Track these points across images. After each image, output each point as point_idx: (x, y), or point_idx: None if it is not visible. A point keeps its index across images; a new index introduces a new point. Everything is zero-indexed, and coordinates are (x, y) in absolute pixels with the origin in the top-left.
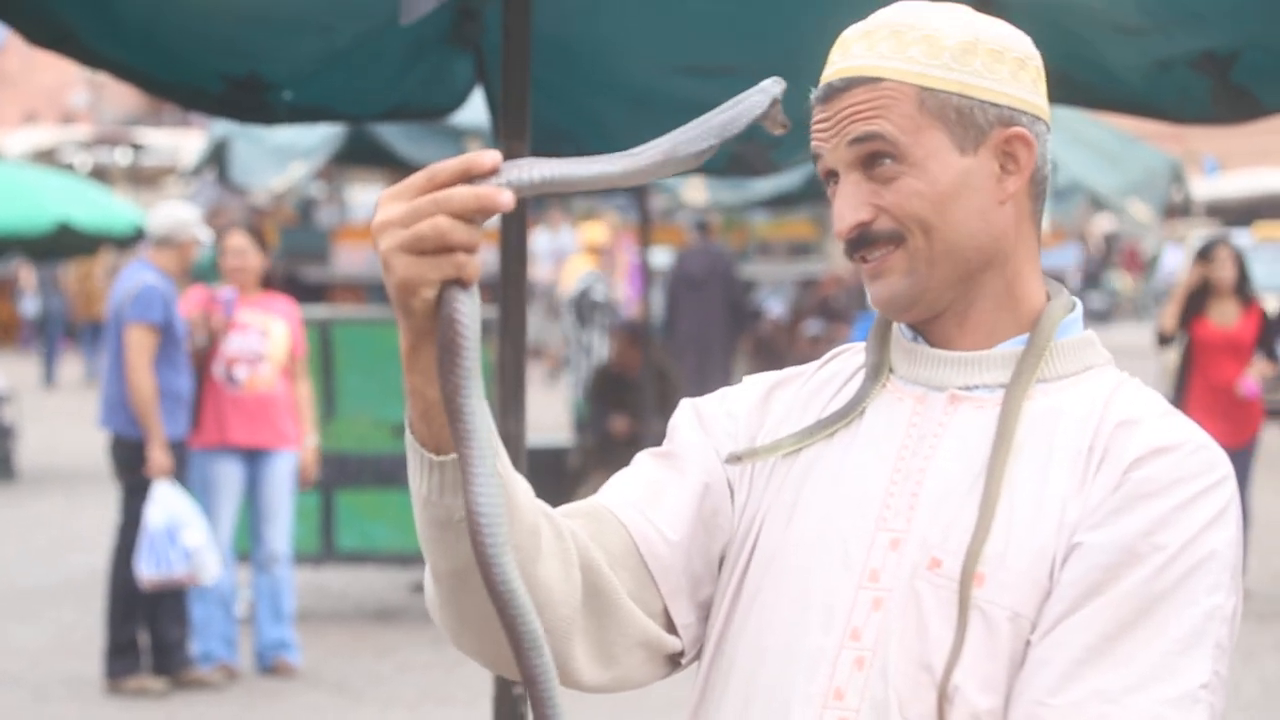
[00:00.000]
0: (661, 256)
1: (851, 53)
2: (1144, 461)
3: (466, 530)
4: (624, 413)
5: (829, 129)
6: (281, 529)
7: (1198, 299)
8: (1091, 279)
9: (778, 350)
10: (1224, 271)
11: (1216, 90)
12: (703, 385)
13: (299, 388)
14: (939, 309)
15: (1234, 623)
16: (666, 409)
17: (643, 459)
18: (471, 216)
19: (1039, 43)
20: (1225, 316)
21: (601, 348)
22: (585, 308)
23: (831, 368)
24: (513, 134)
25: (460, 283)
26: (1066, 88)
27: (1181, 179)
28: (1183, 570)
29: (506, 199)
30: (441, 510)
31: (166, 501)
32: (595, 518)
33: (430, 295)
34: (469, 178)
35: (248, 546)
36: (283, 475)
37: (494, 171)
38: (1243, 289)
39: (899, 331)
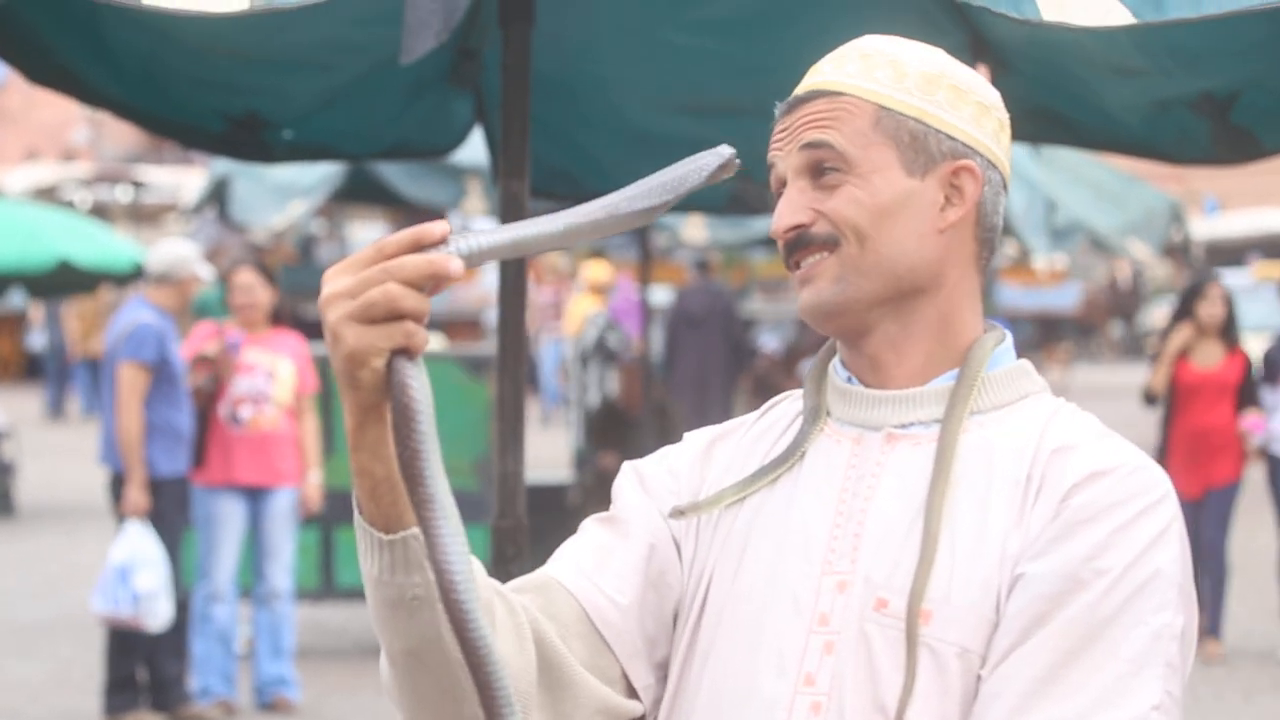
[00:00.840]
0: (661, 294)
1: (821, 70)
2: (1081, 487)
3: (419, 608)
4: (616, 450)
5: (785, 137)
6: (283, 565)
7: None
8: (1125, 315)
9: (777, 388)
10: (1215, 309)
11: (1216, 131)
12: (702, 422)
13: (305, 422)
14: (865, 328)
15: (1185, 640)
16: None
17: (589, 525)
18: (422, 284)
19: (1037, 84)
20: (1208, 358)
21: (599, 387)
22: (602, 353)
23: (771, 416)
24: (512, 173)
25: (408, 352)
26: (1065, 129)
27: (1181, 219)
28: (1128, 592)
29: (457, 266)
30: (393, 589)
31: (132, 541)
32: (544, 590)
33: (379, 365)
34: (419, 248)
35: (249, 582)
36: (284, 512)
37: (443, 241)
38: (1228, 330)
39: (833, 374)
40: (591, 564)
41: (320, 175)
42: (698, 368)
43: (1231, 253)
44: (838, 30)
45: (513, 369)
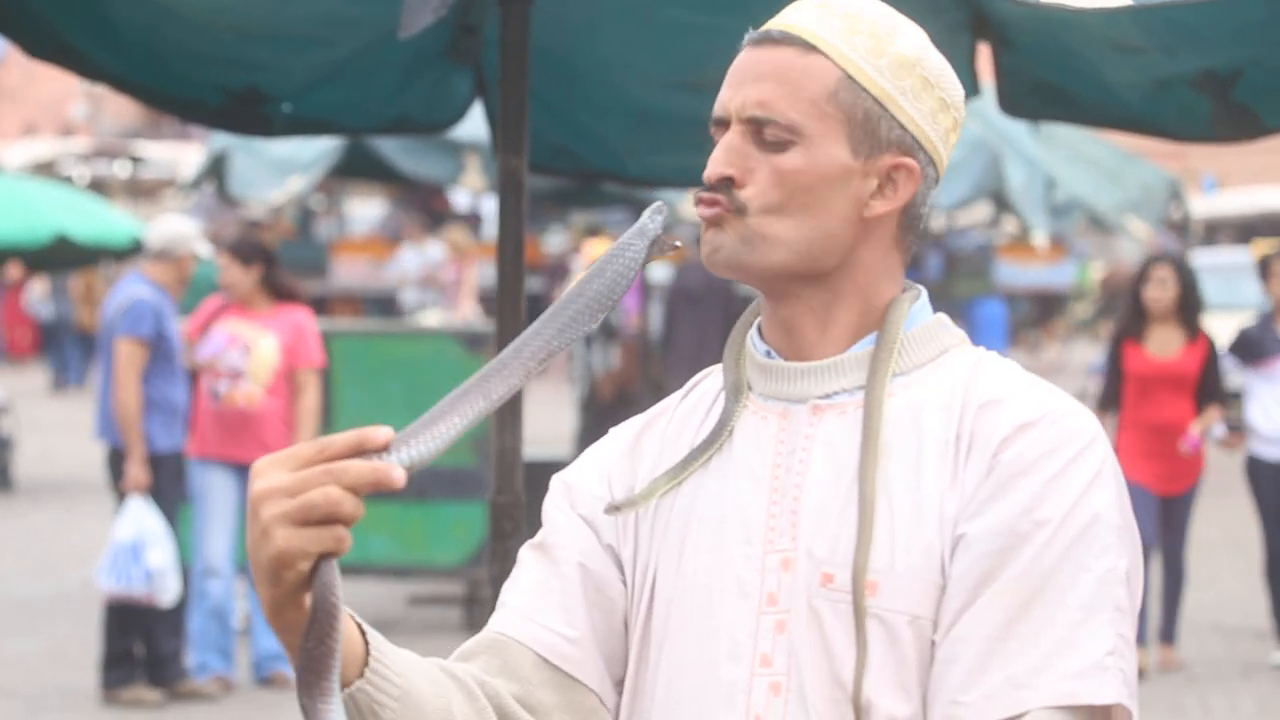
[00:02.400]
0: (660, 271)
1: (804, 14)
2: (1010, 441)
3: None
4: (615, 426)
5: (744, 75)
6: None
7: (1134, 322)
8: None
9: None
10: (1158, 293)
11: (1217, 109)
12: None
13: (302, 399)
14: (778, 293)
15: (1130, 582)
16: None
17: (524, 557)
18: (363, 492)
19: (1038, 61)
20: (1166, 346)
21: (600, 363)
22: (602, 330)
23: (694, 396)
24: (511, 148)
25: (333, 555)
26: (1066, 106)
27: (1180, 196)
28: (1068, 540)
29: (399, 477)
30: None
31: (137, 517)
32: (496, 650)
33: (306, 568)
34: (361, 452)
35: (245, 559)
36: None
37: (385, 448)
38: (1188, 315)
39: (752, 349)
40: (533, 606)
41: (319, 151)
42: (696, 344)
43: (1230, 231)
44: None
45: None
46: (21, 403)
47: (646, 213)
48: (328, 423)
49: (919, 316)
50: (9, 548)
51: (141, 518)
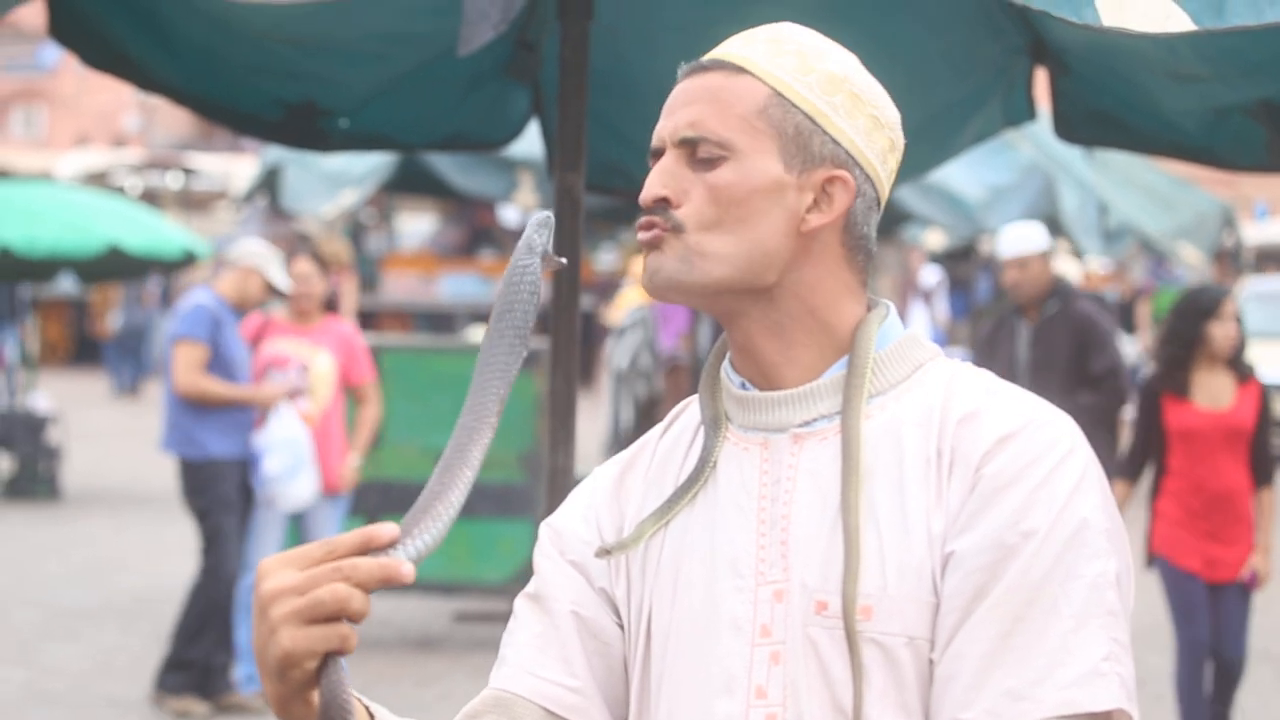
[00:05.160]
0: None
1: (729, 45)
2: (992, 455)
3: None
4: None
5: (676, 103)
6: None
7: (1180, 368)
8: None
9: None
10: (1232, 331)
11: (1272, 138)
12: None
13: (365, 410)
14: (728, 314)
15: (1121, 584)
16: None
17: (519, 609)
18: (371, 588)
19: (1095, 88)
20: (1217, 395)
21: (631, 403)
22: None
23: (674, 431)
24: (568, 167)
25: (339, 654)
26: (1122, 133)
27: (1233, 223)
28: (1057, 548)
29: (409, 571)
30: None
31: (272, 425)
32: (502, 708)
33: (312, 667)
34: (368, 550)
35: None
36: (326, 521)
37: (391, 544)
38: (1239, 355)
39: (727, 381)
40: (533, 660)
41: (371, 165)
42: None
43: None
44: (895, 29)
45: (565, 363)
46: (70, 412)
47: (530, 225)
48: (377, 439)
49: (890, 334)
50: (56, 557)
51: (274, 424)
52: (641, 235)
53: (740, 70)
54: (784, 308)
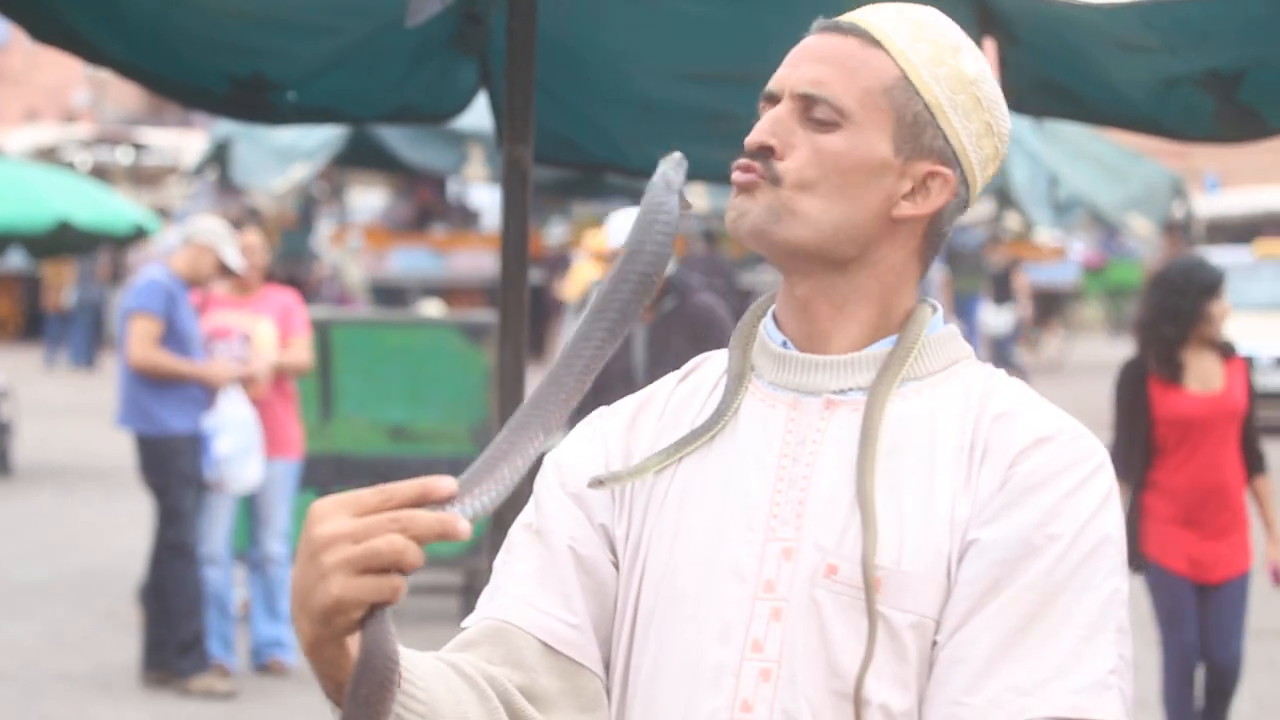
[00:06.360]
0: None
1: (875, 13)
2: (1027, 454)
3: None
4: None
5: (804, 56)
6: (277, 533)
7: (1171, 352)
8: None
9: None
10: (1228, 311)
11: (1222, 109)
12: None
13: (293, 355)
14: (797, 271)
15: (1126, 606)
16: None
17: (518, 539)
18: (426, 541)
19: (1044, 58)
20: (1208, 378)
21: None
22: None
23: (693, 380)
24: (516, 139)
25: (388, 604)
26: (1071, 104)
27: (1184, 195)
28: (1079, 557)
29: (465, 528)
30: None
31: (221, 406)
32: (501, 638)
33: (358, 617)
34: (425, 502)
35: (245, 546)
36: (280, 482)
37: (450, 498)
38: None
39: (765, 337)
40: (534, 591)
41: (322, 139)
42: None
43: (1231, 230)
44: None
45: (514, 336)
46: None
47: (666, 164)
48: (328, 412)
49: (935, 326)
50: (6, 532)
51: (223, 406)
52: (737, 175)
53: (876, 44)
54: (854, 282)
